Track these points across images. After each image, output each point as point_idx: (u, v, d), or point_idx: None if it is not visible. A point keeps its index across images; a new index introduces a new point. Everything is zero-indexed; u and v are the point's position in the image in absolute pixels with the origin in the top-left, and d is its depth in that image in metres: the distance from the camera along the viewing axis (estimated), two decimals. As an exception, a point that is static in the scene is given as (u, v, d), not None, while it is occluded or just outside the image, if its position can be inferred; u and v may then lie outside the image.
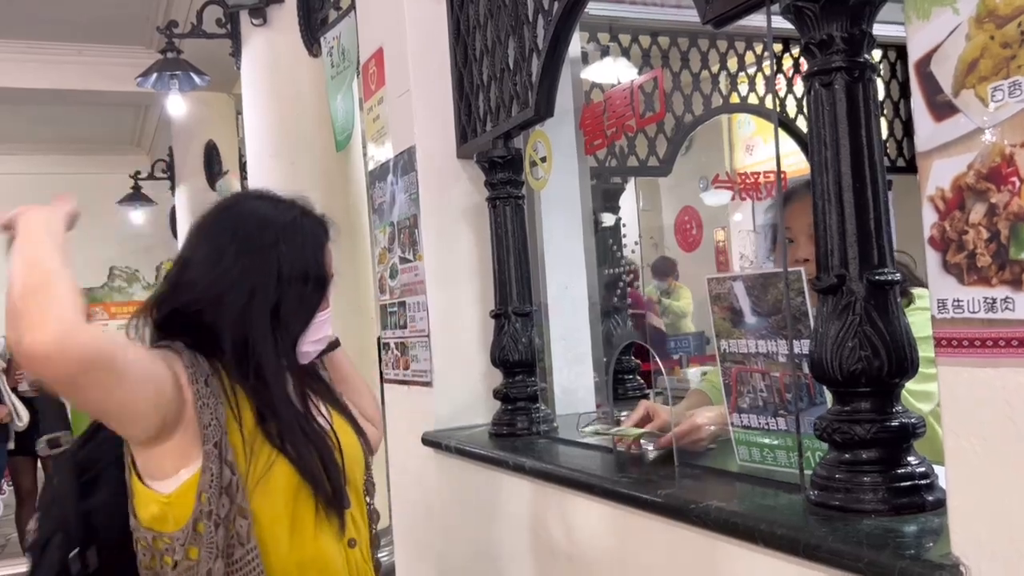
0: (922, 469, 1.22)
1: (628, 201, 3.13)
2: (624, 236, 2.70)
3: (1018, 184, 0.89)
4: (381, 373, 2.96)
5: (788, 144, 3.03)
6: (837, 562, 1.14)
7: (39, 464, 5.56)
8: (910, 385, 1.28)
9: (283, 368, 1.37)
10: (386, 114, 2.72)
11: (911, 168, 3.20)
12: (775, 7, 1.32)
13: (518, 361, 2.32)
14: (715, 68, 2.90)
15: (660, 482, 1.58)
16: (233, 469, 1.25)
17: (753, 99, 3.00)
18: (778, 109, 2.95)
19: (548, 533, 1.92)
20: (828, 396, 1.36)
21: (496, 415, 2.34)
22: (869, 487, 1.21)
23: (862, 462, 1.23)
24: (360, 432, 1.51)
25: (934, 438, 1.30)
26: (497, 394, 2.35)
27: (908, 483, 1.21)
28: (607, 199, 2.83)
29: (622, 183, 3.07)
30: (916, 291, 1.74)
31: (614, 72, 2.83)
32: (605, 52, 2.79)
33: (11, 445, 5.26)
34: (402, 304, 2.70)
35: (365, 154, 3.93)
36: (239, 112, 6.57)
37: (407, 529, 2.74)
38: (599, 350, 2.61)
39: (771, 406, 1.47)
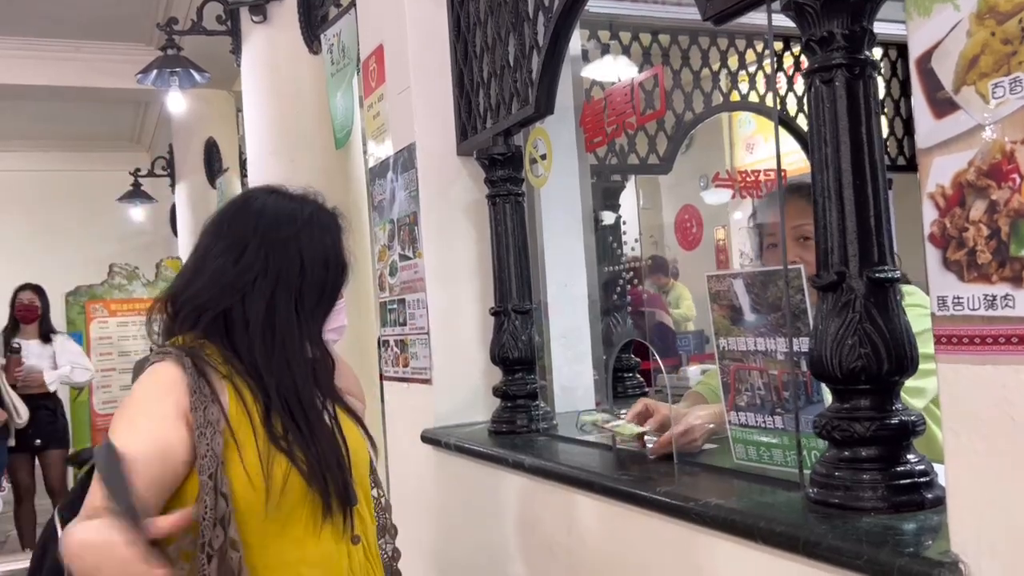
0: (922, 467, 1.22)
1: (628, 199, 3.12)
2: (624, 234, 2.69)
3: (1019, 181, 0.89)
4: (381, 371, 2.96)
5: (788, 143, 3.03)
6: (836, 560, 1.13)
7: (36, 461, 5.56)
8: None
9: (308, 360, 1.37)
10: (386, 111, 2.72)
11: (911, 167, 3.21)
12: (776, 4, 1.31)
13: (518, 359, 2.32)
14: (716, 66, 2.89)
15: (659, 479, 1.58)
16: (227, 500, 1.25)
17: (753, 97, 3.00)
18: (778, 107, 2.95)
19: (547, 530, 1.92)
20: (825, 394, 1.36)
21: (496, 412, 2.34)
22: (868, 485, 1.21)
23: (862, 460, 1.23)
24: (364, 427, 1.51)
25: (929, 435, 1.30)
26: (497, 391, 2.35)
27: (907, 481, 1.21)
28: (607, 197, 2.82)
29: (622, 181, 3.07)
30: (904, 288, 1.74)
31: (614, 70, 2.83)
32: (605, 50, 2.78)
33: (12, 442, 5.26)
34: (402, 301, 2.70)
35: (365, 151, 3.93)
36: (239, 109, 6.57)
37: (406, 526, 2.74)
38: (599, 348, 2.60)
39: (768, 404, 1.47)
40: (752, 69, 2.97)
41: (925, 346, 1.13)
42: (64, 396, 6.07)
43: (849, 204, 1.22)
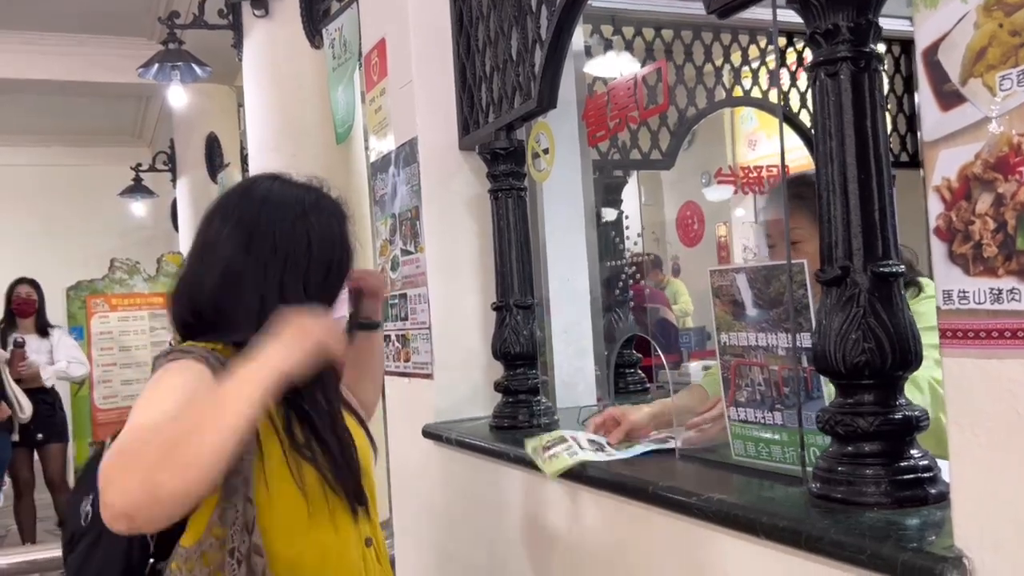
0: (925, 462, 1.21)
1: (631, 195, 3.11)
2: (627, 229, 2.69)
3: (1026, 174, 0.89)
4: (382, 365, 2.96)
5: (791, 139, 3.02)
6: (839, 554, 1.13)
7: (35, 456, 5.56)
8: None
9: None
10: (388, 105, 2.72)
11: (914, 163, 3.20)
12: (781, -3, 1.31)
13: (519, 354, 2.31)
14: (719, 61, 2.88)
15: (660, 474, 1.58)
16: (252, 503, 1.26)
17: (756, 93, 2.99)
18: (782, 102, 2.94)
19: (549, 525, 1.91)
20: (826, 390, 1.35)
21: (497, 407, 2.33)
22: (872, 480, 1.21)
23: (865, 455, 1.22)
24: (367, 429, 1.51)
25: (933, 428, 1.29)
26: (498, 386, 2.35)
27: (911, 476, 1.20)
28: (609, 192, 2.82)
29: (624, 176, 3.06)
30: (923, 280, 1.74)
31: (616, 66, 2.82)
32: (608, 45, 2.78)
33: (15, 437, 5.25)
34: (403, 296, 2.69)
35: (367, 146, 3.92)
36: (241, 104, 6.56)
37: (407, 521, 2.74)
38: (600, 344, 2.60)
39: (768, 400, 1.47)
40: (755, 64, 2.96)
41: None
42: (64, 391, 6.08)
43: (854, 198, 1.22)
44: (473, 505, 2.29)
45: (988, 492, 0.96)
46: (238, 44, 4.73)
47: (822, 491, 1.26)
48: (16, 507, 5.44)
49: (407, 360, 2.68)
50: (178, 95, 5.33)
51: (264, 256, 1.31)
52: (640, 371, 2.79)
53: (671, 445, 1.71)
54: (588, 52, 2.73)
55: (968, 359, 0.96)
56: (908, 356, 1.21)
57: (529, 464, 1.94)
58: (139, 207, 9.06)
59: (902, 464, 1.21)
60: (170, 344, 1.38)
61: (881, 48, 1.26)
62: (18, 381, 5.20)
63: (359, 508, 1.38)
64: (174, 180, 8.38)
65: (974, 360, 0.96)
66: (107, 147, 9.59)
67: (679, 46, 2.83)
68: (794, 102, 3.06)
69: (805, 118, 3.02)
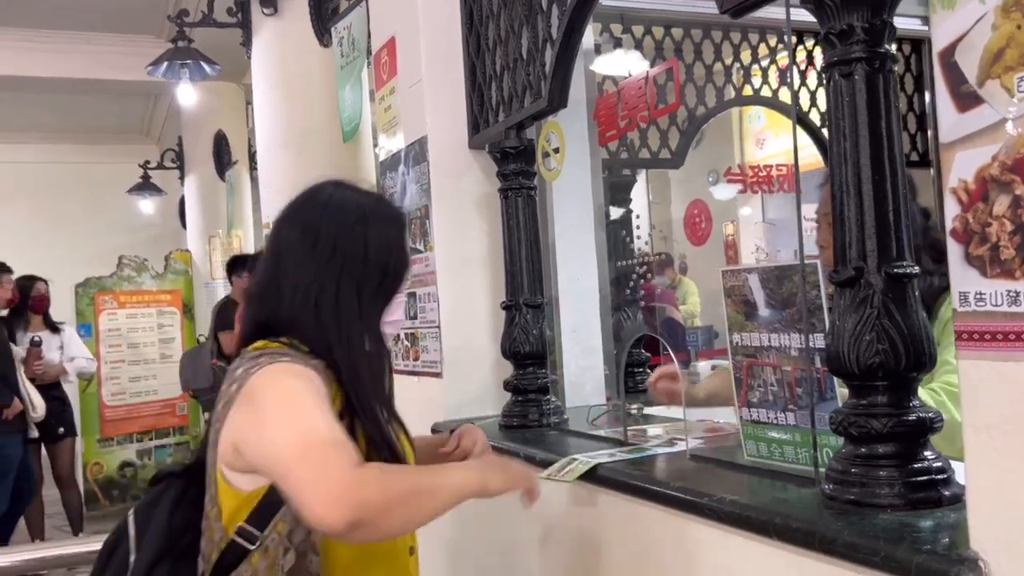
0: (939, 464, 1.21)
1: (640, 193, 3.11)
2: (638, 228, 2.68)
3: (1044, 176, 0.88)
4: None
5: (801, 138, 3.01)
6: (853, 556, 1.13)
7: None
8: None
9: (367, 355, 1.37)
10: (398, 104, 2.72)
11: (924, 163, 3.19)
12: (794, -3, 1.30)
13: (529, 353, 2.31)
14: (728, 60, 2.88)
15: (673, 475, 1.57)
16: None
17: (766, 92, 2.98)
18: (796, 102, 2.93)
19: (560, 525, 1.91)
20: (839, 391, 1.35)
21: (506, 406, 2.33)
22: (885, 481, 1.20)
23: (878, 456, 1.22)
24: (407, 433, 1.51)
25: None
26: (507, 385, 2.35)
27: (925, 478, 1.20)
28: (619, 191, 2.81)
29: (633, 175, 3.06)
30: None
31: (625, 64, 2.81)
32: (618, 44, 2.77)
33: (34, 433, 5.24)
34: (412, 295, 2.69)
35: (375, 144, 3.92)
36: (249, 102, 6.56)
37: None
38: (609, 343, 2.60)
39: (781, 400, 1.46)
40: (765, 63, 2.95)
41: None
42: (72, 388, 6.09)
43: (868, 199, 1.21)
44: (483, 504, 2.28)
45: (1004, 494, 0.96)
46: (247, 42, 4.74)
47: (835, 492, 1.25)
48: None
49: (416, 359, 2.68)
50: (187, 93, 5.34)
51: (323, 259, 1.36)
52: (649, 370, 2.78)
53: (681, 448, 1.71)
54: (598, 51, 2.72)
55: (985, 361, 0.96)
56: (922, 358, 1.21)
57: (540, 463, 1.95)
58: (147, 204, 9.08)
59: (916, 466, 1.21)
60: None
61: (894, 48, 1.26)
62: (32, 380, 5.21)
63: None
64: (182, 178, 8.40)
65: (991, 362, 0.95)
66: (115, 145, 9.61)
67: (689, 45, 2.82)
68: (803, 101, 3.05)
69: (815, 117, 3.01)
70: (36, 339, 5.33)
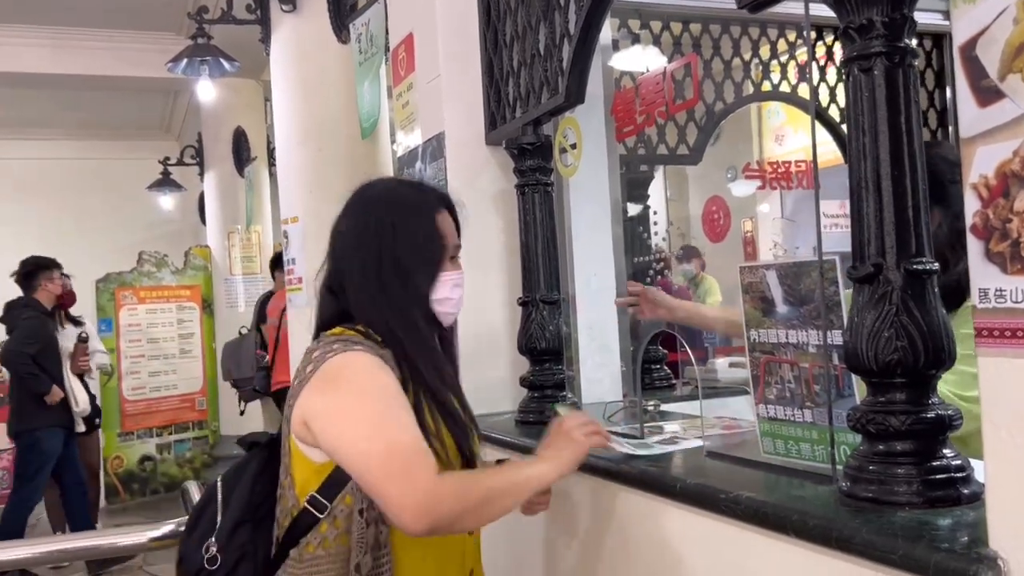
0: (958, 462, 1.20)
1: (657, 190, 3.10)
2: (655, 224, 2.68)
3: (1066, 171, 0.87)
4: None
5: (820, 134, 2.99)
6: (870, 554, 1.12)
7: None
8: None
9: (425, 338, 1.48)
10: (415, 100, 2.72)
11: (946, 158, 3.15)
12: (813, -9, 1.30)
13: (545, 349, 2.31)
14: (747, 56, 2.86)
15: (690, 471, 1.57)
16: None
17: (785, 87, 2.96)
18: (815, 100, 2.91)
19: (575, 520, 1.92)
20: (857, 388, 1.34)
21: (523, 402, 2.34)
22: (903, 479, 1.20)
23: (896, 454, 1.21)
24: (472, 418, 1.59)
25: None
26: (524, 382, 2.35)
27: (943, 476, 1.19)
28: (636, 187, 2.81)
29: (650, 171, 3.05)
30: None
31: (643, 60, 2.80)
32: (635, 40, 2.76)
33: (80, 428, 5.28)
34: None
35: (393, 141, 3.92)
36: (267, 99, 6.60)
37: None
38: (626, 339, 2.59)
39: (798, 397, 1.46)
40: (784, 59, 2.93)
41: None
42: (93, 383, 6.15)
43: (887, 194, 1.20)
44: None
45: (1024, 493, 0.95)
46: (266, 39, 4.76)
47: (852, 490, 1.25)
48: (48, 496, 5.50)
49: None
50: (207, 89, 5.37)
51: (366, 249, 1.48)
52: (666, 367, 2.78)
53: (698, 443, 1.70)
54: (615, 47, 2.71)
55: (1004, 358, 0.95)
56: (941, 355, 1.20)
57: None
58: (167, 200, 9.14)
59: (934, 463, 1.20)
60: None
61: (914, 43, 1.24)
62: (80, 375, 5.26)
63: None
64: (202, 174, 8.45)
65: (1011, 359, 0.94)
66: (136, 141, 9.68)
67: (707, 40, 2.81)
68: (823, 96, 3.03)
69: (834, 112, 2.99)
70: (83, 334, 5.40)
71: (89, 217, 9.57)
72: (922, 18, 2.03)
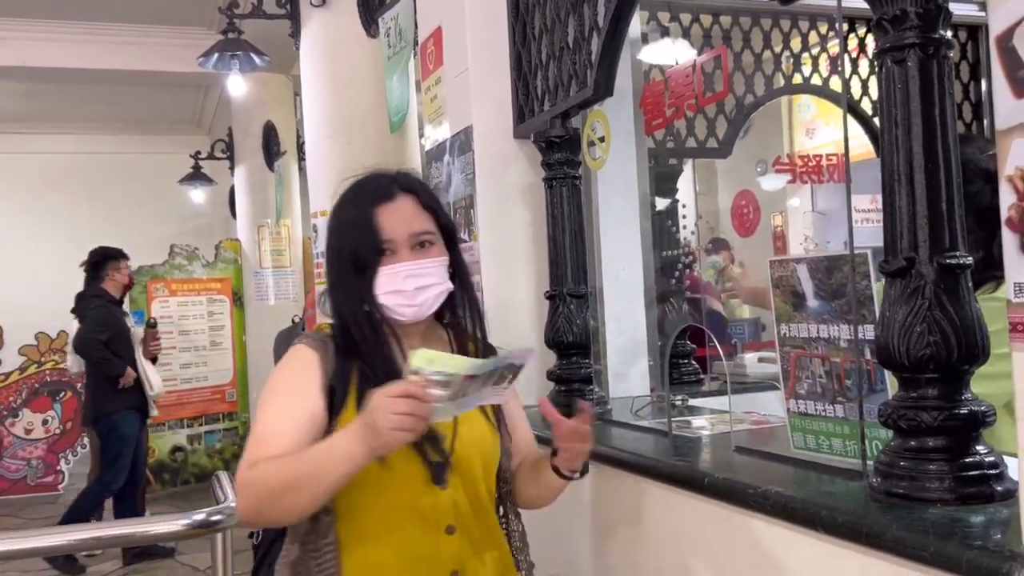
0: (992, 459, 1.19)
1: (685, 183, 3.08)
2: (684, 218, 2.66)
3: (1105, 163, 0.86)
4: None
5: (852, 127, 2.96)
6: (901, 551, 1.11)
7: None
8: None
9: (362, 326, 1.43)
10: (443, 94, 2.73)
11: (980, 151, 3.11)
12: (846, -18, 1.28)
13: (572, 343, 2.31)
14: (778, 48, 2.83)
15: (718, 466, 1.57)
16: None
17: (816, 80, 2.93)
18: (847, 93, 2.87)
19: (604, 514, 1.92)
20: (889, 383, 1.33)
21: (550, 396, 2.33)
22: (935, 475, 1.19)
23: (928, 450, 1.20)
24: (496, 428, 1.51)
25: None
26: (551, 375, 2.35)
27: (976, 472, 1.18)
28: (664, 181, 2.79)
29: (680, 165, 3.03)
30: None
31: (673, 53, 2.79)
32: (665, 32, 2.74)
33: (154, 412, 5.38)
34: (457, 284, 2.70)
35: (421, 135, 3.93)
36: (297, 93, 6.63)
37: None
38: (653, 333, 2.58)
39: (830, 392, 1.45)
40: (815, 51, 2.90)
41: None
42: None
43: (920, 188, 1.19)
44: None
45: (1059, 490, 0.93)
46: (295, 33, 4.78)
47: (883, 486, 1.24)
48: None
49: (460, 348, 2.69)
50: (237, 84, 5.40)
51: (326, 248, 1.52)
52: (694, 362, 2.77)
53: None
54: (644, 40, 2.70)
55: (1040, 354, 0.94)
56: (975, 350, 1.18)
57: (582, 453, 1.94)
58: (198, 194, 9.22)
59: (967, 460, 1.18)
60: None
61: (949, 34, 1.23)
62: (153, 360, 5.35)
63: (437, 485, 1.39)
64: (232, 168, 8.51)
65: (1046, 355, 0.93)
66: (166, 135, 9.77)
67: (737, 33, 2.78)
68: (855, 89, 2.99)
69: (866, 105, 2.96)
70: (152, 320, 5.48)
71: (121, 210, 9.67)
72: (957, 9, 2.00)
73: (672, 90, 1.88)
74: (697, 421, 2.05)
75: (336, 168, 4.46)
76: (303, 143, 5.37)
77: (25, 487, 7.16)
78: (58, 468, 7.28)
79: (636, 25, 2.55)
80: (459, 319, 1.54)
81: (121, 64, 6.98)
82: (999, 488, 1.16)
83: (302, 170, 6.88)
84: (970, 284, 1.21)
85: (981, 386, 1.24)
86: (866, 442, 1.37)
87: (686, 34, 2.73)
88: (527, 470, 1.57)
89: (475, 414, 1.46)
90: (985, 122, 3.08)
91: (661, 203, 2.77)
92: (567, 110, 2.25)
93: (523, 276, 2.54)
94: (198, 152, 8.76)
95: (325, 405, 1.37)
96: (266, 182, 7.63)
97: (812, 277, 1.43)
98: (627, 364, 2.53)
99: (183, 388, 7.23)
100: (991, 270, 1.53)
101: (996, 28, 0.97)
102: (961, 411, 1.18)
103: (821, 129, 4.97)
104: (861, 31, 2.97)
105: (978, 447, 1.19)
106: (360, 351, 1.41)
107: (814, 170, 2.61)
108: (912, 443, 1.21)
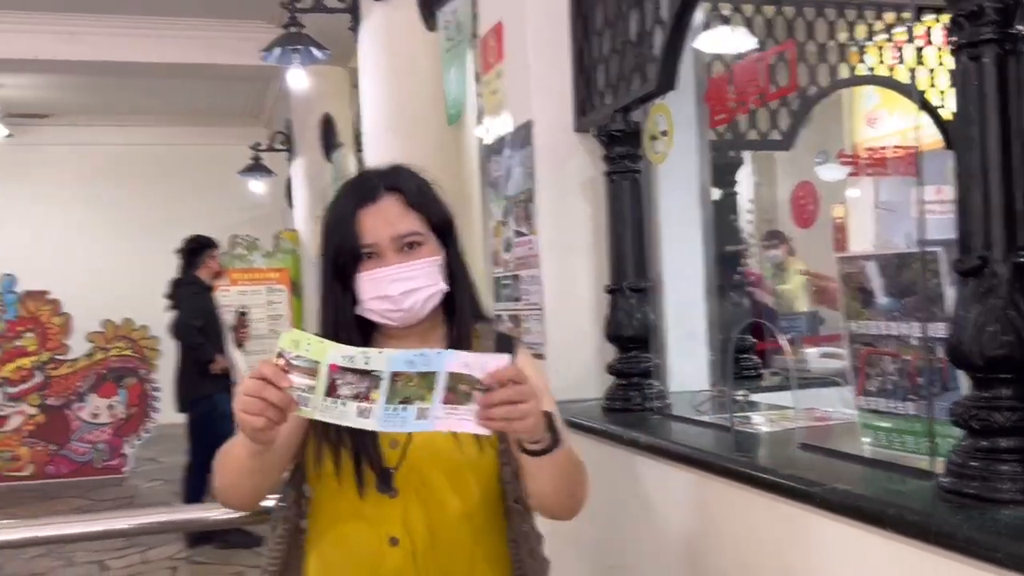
0: (1067, 460, 1.17)
1: (744, 175, 3.05)
2: (751, 212, 2.65)
3: None
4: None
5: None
6: (972, 551, 1.11)
7: None
8: None
9: (339, 334, 1.32)
10: (504, 88, 2.74)
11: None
12: (920, -24, 1.27)
13: (632, 336, 2.31)
14: (842, 38, 2.79)
15: (781, 462, 1.56)
16: (301, 467, 1.41)
17: (882, 71, 2.88)
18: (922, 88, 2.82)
19: (662, 509, 1.92)
20: (962, 382, 1.31)
21: (609, 390, 2.35)
22: (1008, 476, 1.17)
23: (1000, 450, 1.19)
24: (480, 441, 1.37)
25: None
26: (610, 369, 2.36)
27: (1050, 474, 1.16)
28: (725, 173, 2.77)
29: (739, 157, 3.00)
30: None
31: (731, 43, 2.76)
32: (725, 21, 2.72)
33: None
34: (515, 277, 2.73)
35: (480, 125, 3.95)
36: (354, 85, 6.70)
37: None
38: (714, 328, 2.57)
39: (901, 390, 1.43)
40: (881, 41, 2.85)
41: None
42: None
43: (995, 186, 1.18)
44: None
45: None
46: (355, 27, 4.84)
47: (953, 485, 1.23)
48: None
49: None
50: (299, 78, 5.48)
51: None
52: (756, 356, 2.75)
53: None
54: (706, 27, 2.68)
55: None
56: (1051, 350, 1.17)
57: (643, 446, 1.96)
58: (257, 185, 9.38)
59: (1041, 461, 1.17)
60: None
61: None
62: (240, 346, 5.51)
63: (383, 493, 1.33)
64: (290, 159, 8.65)
65: None
66: (225, 127, 9.96)
67: (801, 23, 2.75)
68: (922, 79, 2.93)
69: (933, 95, 2.90)
70: (243, 309, 5.61)
71: (181, 201, 9.90)
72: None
73: (736, 85, 1.88)
74: (758, 416, 2.04)
75: (394, 160, 4.50)
76: (360, 135, 5.44)
77: (92, 470, 7.38)
78: (122, 452, 7.48)
79: (697, 15, 2.53)
80: (462, 319, 1.42)
81: (183, 58, 7.14)
82: (1075, 490, 1.15)
83: (359, 162, 6.96)
84: (1047, 283, 1.19)
85: None
86: (936, 441, 1.36)
87: (749, 25, 2.71)
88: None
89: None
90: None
91: (722, 195, 2.75)
92: (629, 104, 2.25)
93: (582, 270, 2.55)
94: (258, 144, 8.91)
95: None
96: (323, 173, 7.74)
97: (882, 274, 1.42)
98: (687, 358, 2.53)
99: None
100: None
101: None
102: (1036, 412, 1.17)
103: (884, 118, 4.87)
104: (928, 19, 2.91)
105: (1053, 449, 1.18)
106: None
107: (878, 162, 2.58)
108: (984, 443, 1.20)
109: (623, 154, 2.31)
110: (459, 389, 1.09)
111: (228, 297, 7.41)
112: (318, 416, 1.11)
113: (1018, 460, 1.18)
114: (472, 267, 1.50)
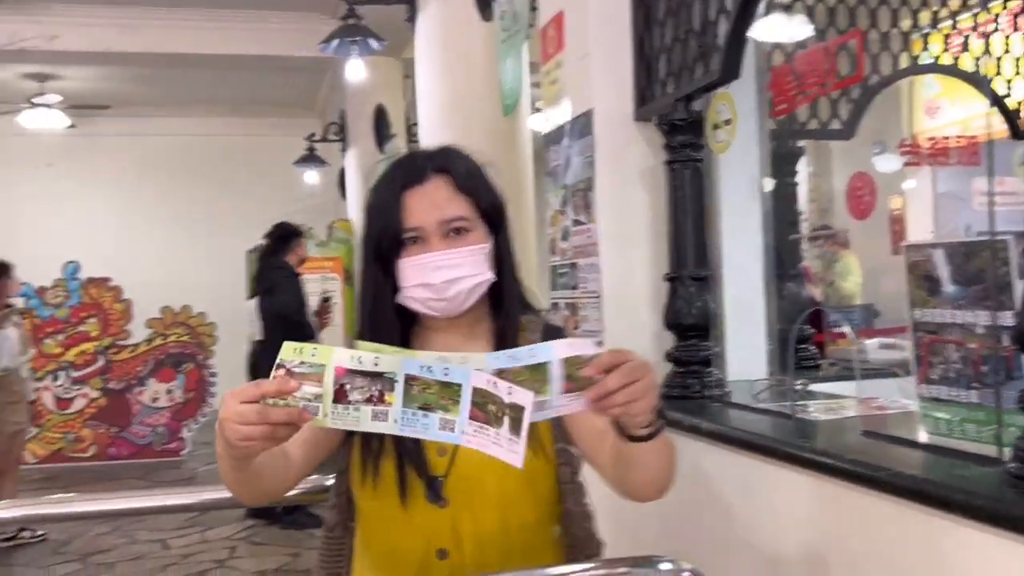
0: None
1: (802, 166, 3.04)
2: (813, 202, 2.64)
3: None
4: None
5: (980, 105, 2.86)
6: (1042, 536, 1.12)
7: None
8: None
9: (375, 322, 1.31)
10: (564, 78, 2.77)
11: None
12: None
13: (691, 325, 2.33)
14: (906, 26, 2.76)
15: (845, 448, 1.58)
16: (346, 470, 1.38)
17: (946, 60, 2.84)
18: (985, 74, 2.78)
19: (724, 495, 1.94)
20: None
21: (668, 377, 2.37)
22: (1077, 463, 1.18)
23: (1070, 438, 1.19)
24: (541, 447, 1.35)
25: None
26: (669, 357, 2.38)
27: (1122, 461, 1.16)
28: (785, 163, 2.77)
29: (798, 146, 2.99)
30: None
31: (790, 31, 2.74)
32: (787, 9, 2.70)
33: None
34: (573, 265, 2.75)
35: (538, 111, 3.97)
36: (407, 76, 6.77)
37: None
38: (772, 317, 2.58)
39: (964, 378, 1.44)
40: (945, 28, 2.82)
41: None
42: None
43: (1069, 173, 1.18)
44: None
45: None
46: (411, 18, 4.89)
47: (1020, 471, 1.23)
48: None
49: (576, 327, 2.75)
50: (356, 69, 5.55)
51: None
52: (813, 346, 2.75)
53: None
54: (767, 12, 2.67)
55: None
56: (1124, 338, 1.17)
57: (704, 433, 1.98)
58: (311, 175, 9.51)
59: (1113, 449, 1.17)
60: None
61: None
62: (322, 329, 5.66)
63: (432, 503, 1.29)
64: (344, 150, 8.75)
65: None
66: (281, 118, 10.12)
67: (863, 10, 2.73)
68: (988, 66, 2.89)
69: (998, 84, 2.85)
70: (327, 294, 5.76)
71: (239, 190, 10.09)
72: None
73: (799, 75, 1.88)
74: (816, 405, 2.05)
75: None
76: (412, 125, 5.50)
77: (151, 452, 7.59)
78: (180, 435, 7.68)
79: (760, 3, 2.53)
80: (509, 311, 1.34)
81: (240, 49, 7.27)
82: None
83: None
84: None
85: None
86: (1002, 428, 1.37)
87: (810, 12, 2.69)
88: (612, 459, 1.28)
89: None
90: None
91: (781, 185, 2.74)
92: (691, 93, 2.26)
93: (641, 259, 2.57)
94: (312, 135, 9.03)
95: None
96: (376, 164, 7.81)
97: (949, 262, 1.43)
98: (745, 347, 2.53)
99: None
100: None
101: None
102: (1108, 399, 1.17)
103: (945, 107, 4.79)
104: (995, 3, 2.86)
105: (1125, 436, 1.18)
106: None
107: (941, 152, 2.55)
108: (1053, 430, 1.21)
109: (685, 143, 2.32)
110: (488, 409, 1.01)
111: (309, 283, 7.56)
112: (330, 424, 1.02)
113: (1089, 447, 1.18)
114: (522, 259, 1.43)
